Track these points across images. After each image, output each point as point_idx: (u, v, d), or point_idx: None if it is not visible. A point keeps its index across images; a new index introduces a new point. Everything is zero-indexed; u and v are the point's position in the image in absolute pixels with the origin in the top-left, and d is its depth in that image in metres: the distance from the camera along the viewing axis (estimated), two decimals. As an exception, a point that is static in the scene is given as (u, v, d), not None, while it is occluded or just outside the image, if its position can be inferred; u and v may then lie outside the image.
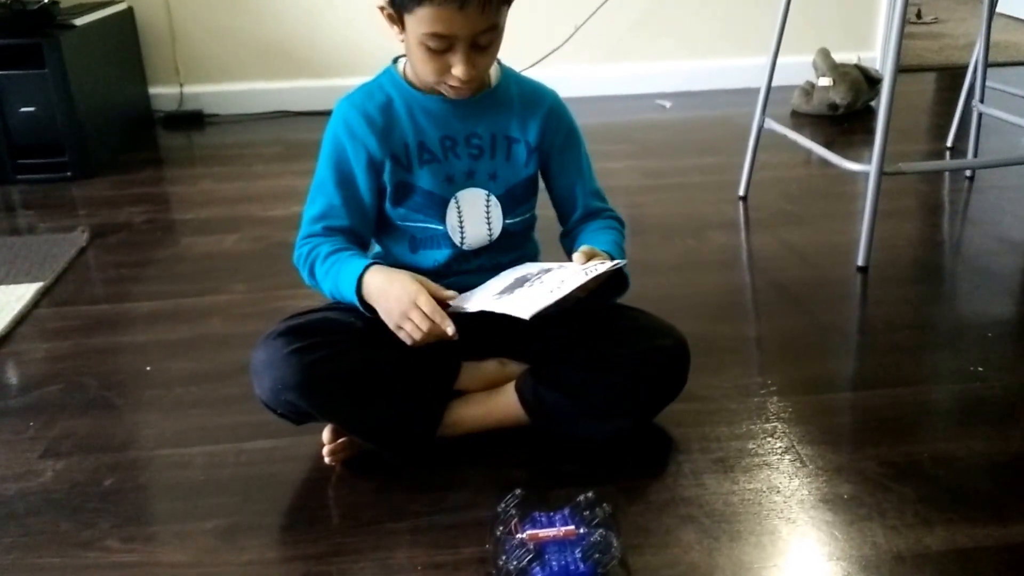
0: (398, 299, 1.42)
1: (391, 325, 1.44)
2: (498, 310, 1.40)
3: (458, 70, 1.41)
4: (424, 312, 1.40)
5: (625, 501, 1.46)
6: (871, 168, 2.22)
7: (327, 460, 1.55)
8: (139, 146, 3.54)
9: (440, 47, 1.40)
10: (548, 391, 1.55)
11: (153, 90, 3.84)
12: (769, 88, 2.70)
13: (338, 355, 1.45)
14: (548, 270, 1.47)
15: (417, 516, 1.44)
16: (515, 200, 1.59)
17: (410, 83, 1.54)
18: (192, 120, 3.81)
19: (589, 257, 1.44)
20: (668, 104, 3.84)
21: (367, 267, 1.46)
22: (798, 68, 3.67)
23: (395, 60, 1.58)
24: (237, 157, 3.36)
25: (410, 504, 1.47)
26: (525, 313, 1.35)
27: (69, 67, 3.05)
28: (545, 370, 1.57)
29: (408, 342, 1.44)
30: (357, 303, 1.46)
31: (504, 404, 1.58)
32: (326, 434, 1.55)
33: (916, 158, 3.04)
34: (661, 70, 4.03)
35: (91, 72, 3.26)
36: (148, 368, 1.91)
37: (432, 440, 1.56)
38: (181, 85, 3.84)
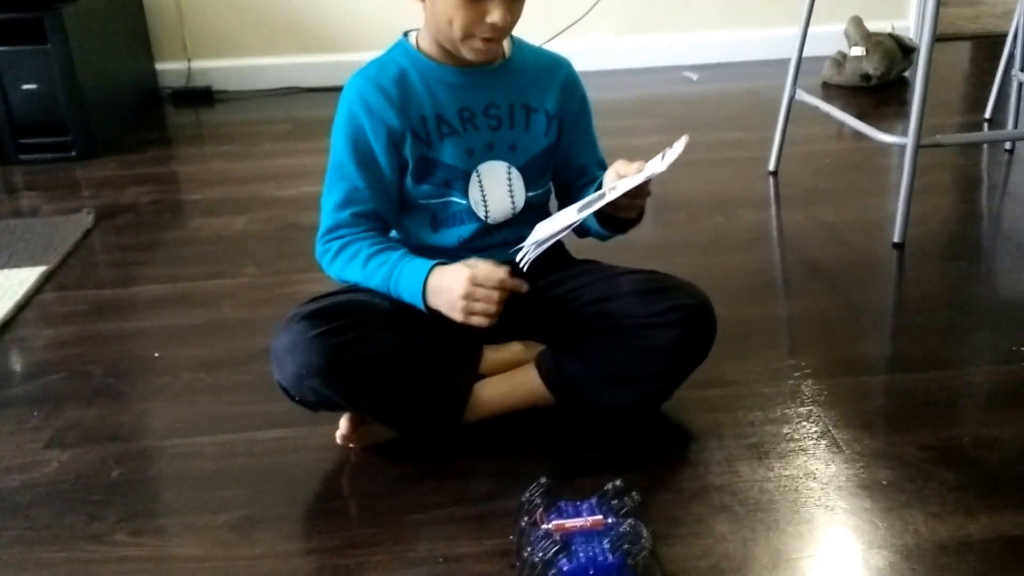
0: (450, 289, 1.38)
1: (463, 318, 1.38)
2: (549, 235, 1.39)
3: (495, 15, 1.35)
4: (484, 285, 1.36)
5: (654, 489, 1.40)
6: (908, 140, 2.14)
7: (339, 441, 1.51)
8: (145, 124, 3.48)
9: None
10: (567, 359, 1.51)
11: (160, 66, 3.77)
12: (800, 58, 2.61)
13: (364, 338, 1.39)
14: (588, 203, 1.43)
15: (437, 507, 1.39)
16: (536, 170, 1.55)
17: (425, 54, 1.49)
18: (201, 97, 3.74)
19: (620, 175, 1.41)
20: (695, 76, 3.74)
21: (428, 274, 1.41)
22: (829, 38, 3.57)
23: (406, 34, 1.53)
24: (247, 135, 3.30)
25: (430, 494, 1.42)
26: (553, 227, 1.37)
27: (72, 42, 2.97)
28: (564, 341, 1.52)
29: (487, 323, 1.38)
30: (424, 310, 1.42)
31: (525, 381, 1.54)
32: (343, 423, 1.50)
33: (953, 130, 2.95)
34: (687, 41, 3.93)
35: (95, 47, 3.18)
36: (156, 355, 1.86)
37: (459, 424, 1.50)
38: (189, 61, 3.77)
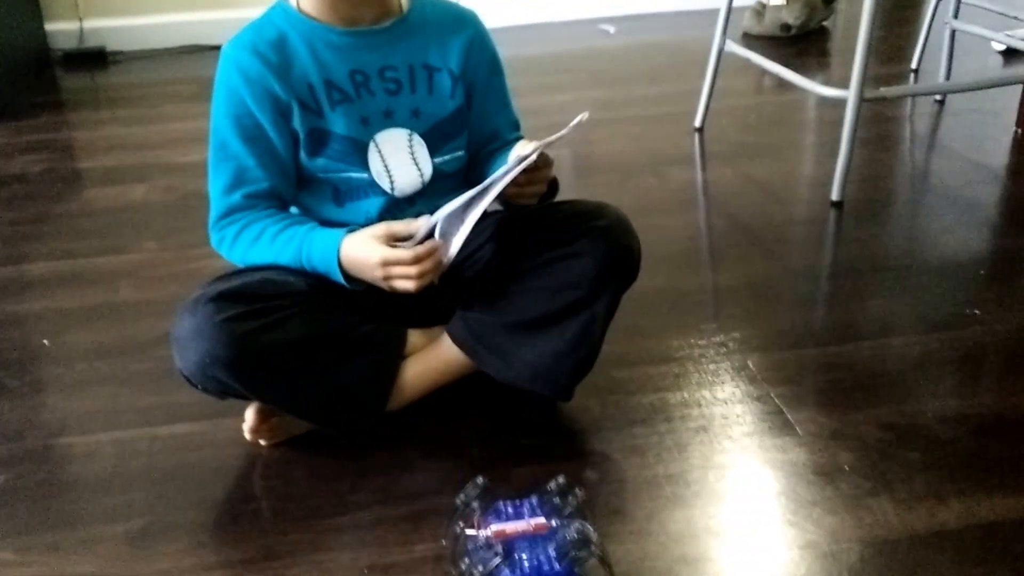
0: (364, 265, 1.28)
1: (387, 289, 1.29)
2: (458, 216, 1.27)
3: None
4: (399, 260, 1.25)
5: (598, 479, 1.31)
6: (850, 94, 2.06)
7: (248, 437, 1.38)
8: (34, 89, 3.30)
9: None
10: (478, 314, 1.39)
11: (50, 26, 3.59)
12: (730, 7, 2.51)
13: (278, 324, 1.26)
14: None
15: (360, 508, 1.28)
16: (443, 136, 1.41)
17: (306, 15, 1.34)
18: (94, 58, 3.57)
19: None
20: (612, 29, 3.68)
21: (341, 240, 1.29)
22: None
23: None
24: (146, 98, 3.15)
25: (351, 493, 1.30)
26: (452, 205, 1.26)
27: (-49, 1, 2.78)
28: (479, 301, 1.41)
29: (414, 288, 1.27)
30: (346, 284, 1.31)
31: (442, 350, 1.42)
32: (250, 413, 1.37)
33: (880, 82, 2.85)
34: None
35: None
36: (45, 342, 1.71)
37: (383, 410, 1.39)
38: (81, 20, 3.60)
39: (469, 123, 1.45)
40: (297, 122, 1.34)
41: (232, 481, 1.35)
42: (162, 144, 2.67)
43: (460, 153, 1.44)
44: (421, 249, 1.25)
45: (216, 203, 1.37)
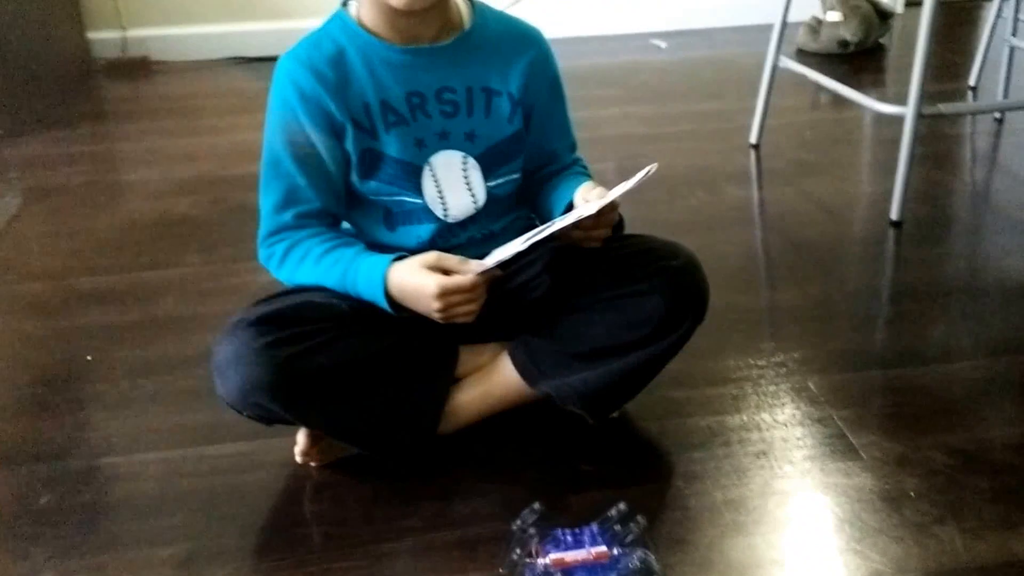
0: (418, 295, 1.23)
1: (439, 319, 1.24)
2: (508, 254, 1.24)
3: None
4: (459, 287, 1.21)
5: (659, 507, 1.26)
6: (908, 110, 2.01)
7: (298, 459, 1.35)
8: (77, 98, 3.27)
9: None
10: (541, 342, 1.36)
11: (93, 35, 3.56)
12: (784, 23, 2.46)
13: (321, 348, 1.23)
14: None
15: (415, 532, 1.25)
16: (498, 160, 1.36)
17: (366, 28, 1.30)
18: (137, 68, 3.54)
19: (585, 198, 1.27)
20: (663, 44, 3.62)
21: (388, 270, 1.25)
22: (802, 3, 3.41)
23: (345, 3, 1.34)
24: (188, 109, 3.11)
25: (406, 518, 1.27)
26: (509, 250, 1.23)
27: (-4, 11, 2.79)
28: (539, 327, 1.37)
29: (471, 319, 1.25)
30: (390, 310, 1.26)
31: (502, 378, 1.38)
32: (301, 436, 1.35)
33: (939, 98, 2.79)
34: (654, 7, 3.78)
35: (21, 15, 2.98)
36: (89, 358, 1.68)
37: (433, 436, 1.35)
38: (124, 29, 3.57)
39: (527, 145, 1.40)
40: (350, 142, 1.30)
41: (281, 504, 1.32)
42: (206, 156, 2.65)
43: (515, 176, 1.40)
44: (479, 277, 1.22)
45: (266, 220, 1.34)
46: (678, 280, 1.31)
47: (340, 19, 1.32)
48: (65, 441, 1.46)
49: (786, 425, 1.42)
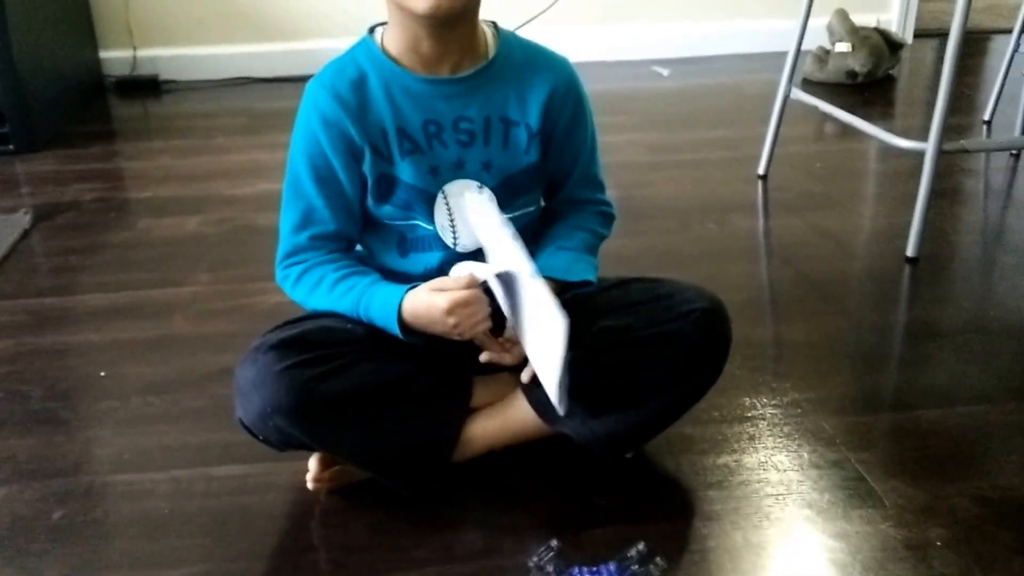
0: (431, 314, 1.24)
1: (457, 337, 1.25)
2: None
3: None
4: (467, 300, 1.22)
5: (678, 547, 1.25)
6: (928, 146, 2.00)
7: (310, 486, 1.35)
8: (88, 116, 3.30)
9: None
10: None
11: (104, 54, 3.59)
12: (798, 53, 2.46)
13: (340, 371, 1.24)
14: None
15: (422, 565, 1.24)
16: (514, 191, 1.36)
17: (388, 55, 1.31)
18: (147, 87, 3.57)
19: None
20: (666, 72, 3.62)
21: (401, 300, 1.26)
22: (808, 32, 3.45)
23: (372, 29, 1.35)
24: (197, 128, 3.13)
25: (414, 548, 1.26)
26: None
27: (11, 27, 2.79)
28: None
29: (487, 328, 1.27)
30: (403, 338, 1.27)
31: (518, 414, 1.38)
32: (313, 463, 1.35)
33: (952, 133, 2.76)
34: (656, 34, 3.81)
35: (35, 33, 2.99)
36: (102, 374, 1.69)
37: (447, 466, 1.36)
38: (135, 48, 3.60)
39: (544, 177, 1.40)
40: (367, 166, 1.31)
41: (290, 528, 1.32)
42: (215, 176, 2.66)
43: (531, 209, 1.40)
44: (474, 288, 1.24)
45: (284, 240, 1.36)
46: (703, 324, 1.31)
47: (365, 44, 1.33)
48: (76, 456, 1.47)
49: (803, 468, 1.41)
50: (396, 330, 1.26)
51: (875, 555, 1.24)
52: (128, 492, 1.39)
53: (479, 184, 1.33)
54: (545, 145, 1.37)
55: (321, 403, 1.22)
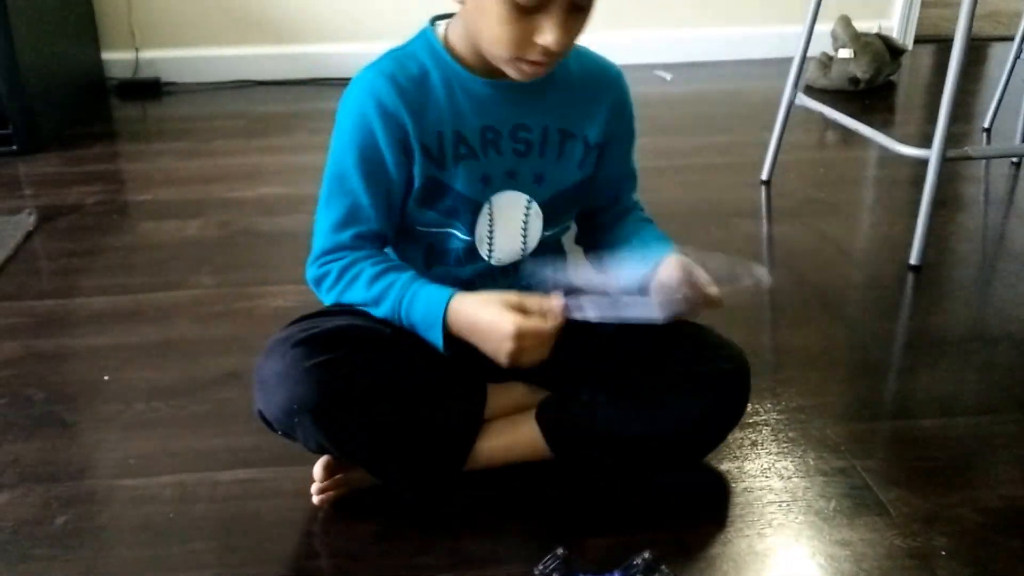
0: (492, 331, 1.17)
1: (504, 363, 1.19)
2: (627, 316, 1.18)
3: (551, 36, 1.12)
4: (539, 333, 1.16)
5: (683, 555, 1.25)
6: (932, 153, 2.00)
7: (315, 500, 1.34)
8: (90, 117, 3.28)
9: (531, 2, 1.11)
10: (573, 415, 1.34)
11: (106, 55, 3.57)
12: (804, 58, 2.46)
13: (366, 370, 1.21)
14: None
15: (429, 571, 1.23)
16: (561, 208, 1.35)
17: (453, 54, 1.26)
18: (148, 89, 3.55)
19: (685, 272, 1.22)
20: (669, 76, 3.61)
21: (451, 299, 1.21)
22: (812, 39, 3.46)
23: (433, 21, 1.30)
24: (198, 131, 3.12)
25: (418, 555, 1.26)
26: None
27: (14, 28, 2.77)
28: (572, 397, 1.35)
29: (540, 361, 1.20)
30: (439, 343, 1.22)
31: (527, 436, 1.36)
32: (318, 470, 1.33)
33: (953, 140, 2.77)
34: (658, 39, 3.80)
35: (38, 34, 2.98)
36: (105, 378, 1.69)
37: (458, 474, 1.34)
38: (137, 50, 3.58)
39: (592, 187, 1.38)
40: (417, 168, 1.26)
41: (296, 534, 1.31)
42: (216, 178, 2.66)
43: (568, 225, 1.39)
44: (556, 323, 1.17)
45: (323, 238, 1.28)
46: (725, 385, 1.31)
47: (425, 39, 1.27)
48: (81, 460, 1.47)
49: (807, 475, 1.41)
50: (438, 335, 1.21)
51: (880, 564, 1.24)
52: (132, 497, 1.39)
53: (528, 198, 1.31)
54: (599, 159, 1.35)
55: (345, 403, 1.20)
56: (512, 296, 1.19)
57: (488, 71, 1.24)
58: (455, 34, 1.26)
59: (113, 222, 2.39)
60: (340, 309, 1.30)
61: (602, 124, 1.33)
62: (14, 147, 2.85)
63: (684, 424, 1.32)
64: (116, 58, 3.57)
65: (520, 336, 1.15)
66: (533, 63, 1.16)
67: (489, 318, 1.17)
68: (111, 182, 2.69)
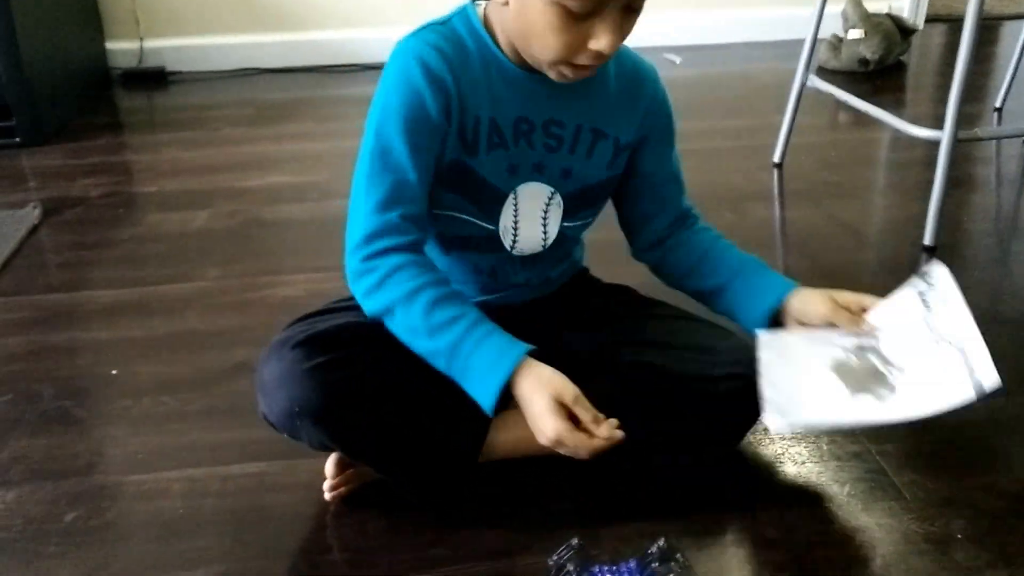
0: (535, 421, 1.14)
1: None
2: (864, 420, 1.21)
3: (604, 41, 1.08)
4: (575, 451, 1.13)
5: (699, 544, 1.24)
6: (944, 135, 1.98)
7: (328, 497, 1.32)
8: (95, 108, 3.26)
9: (586, 8, 1.07)
10: None
11: (111, 45, 3.56)
12: (815, 40, 2.43)
13: (370, 371, 1.19)
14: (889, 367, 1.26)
15: (441, 564, 1.22)
16: (584, 202, 1.33)
17: (493, 37, 1.21)
18: (153, 78, 3.54)
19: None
20: (678, 59, 3.58)
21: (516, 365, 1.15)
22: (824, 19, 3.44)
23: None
24: (205, 120, 3.10)
25: (433, 547, 1.24)
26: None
27: (17, 18, 2.76)
28: (587, 390, 1.32)
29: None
30: (486, 408, 1.17)
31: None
32: (330, 466, 1.32)
33: (964, 120, 2.74)
34: (667, 22, 3.76)
35: (42, 24, 2.96)
36: (113, 372, 1.67)
37: (470, 472, 1.31)
38: (141, 39, 3.57)
39: (630, 182, 1.37)
40: (448, 148, 1.21)
41: (307, 528, 1.30)
42: (223, 168, 2.64)
43: (590, 220, 1.37)
44: (601, 444, 1.13)
45: (365, 219, 1.18)
46: (736, 407, 1.29)
47: (464, 16, 1.23)
48: (90, 456, 1.45)
49: (823, 459, 1.39)
50: (492, 394, 1.15)
51: (897, 548, 1.23)
52: (142, 492, 1.37)
53: (552, 190, 1.29)
54: (631, 160, 1.34)
55: (349, 405, 1.18)
56: (570, 393, 1.13)
57: (524, 63, 1.21)
58: (495, 20, 1.22)
59: (119, 214, 2.37)
60: (342, 306, 1.29)
61: (635, 125, 1.31)
62: (17, 139, 2.83)
63: (697, 420, 1.32)
64: (120, 48, 3.56)
65: (557, 444, 1.13)
66: (579, 67, 1.14)
67: (537, 411, 1.13)
68: (117, 174, 2.67)
